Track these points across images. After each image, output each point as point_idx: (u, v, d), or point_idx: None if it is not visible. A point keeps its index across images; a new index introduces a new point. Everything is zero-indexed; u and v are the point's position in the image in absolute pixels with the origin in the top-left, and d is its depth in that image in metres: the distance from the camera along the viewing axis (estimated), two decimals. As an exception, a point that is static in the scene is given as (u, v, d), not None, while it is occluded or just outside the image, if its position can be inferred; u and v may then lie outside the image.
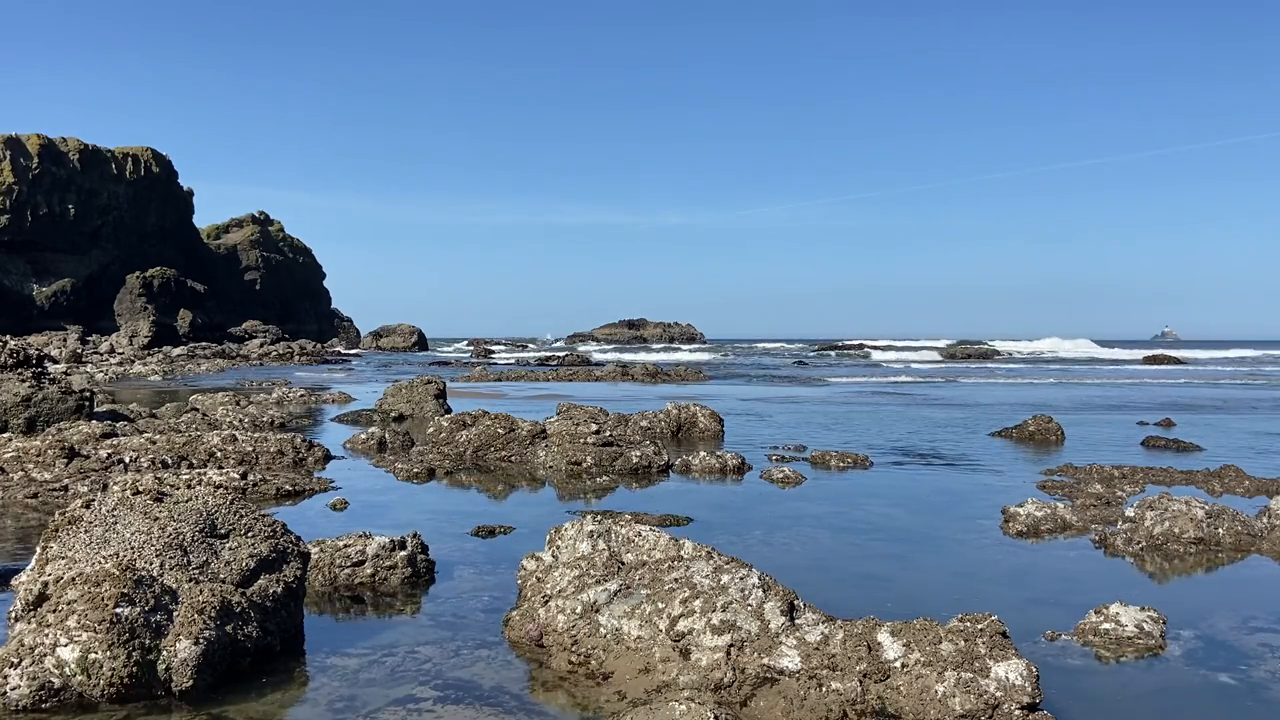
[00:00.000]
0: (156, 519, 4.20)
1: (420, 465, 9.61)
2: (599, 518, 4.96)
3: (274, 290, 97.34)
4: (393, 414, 15.24)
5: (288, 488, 8.23)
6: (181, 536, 4.17)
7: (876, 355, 63.43)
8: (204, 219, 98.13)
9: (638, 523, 4.89)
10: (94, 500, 4.43)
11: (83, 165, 75.47)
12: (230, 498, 4.61)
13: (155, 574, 3.93)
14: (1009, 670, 3.41)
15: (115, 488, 5.69)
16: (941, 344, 73.12)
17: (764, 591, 3.97)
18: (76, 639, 3.54)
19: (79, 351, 41.94)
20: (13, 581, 4.79)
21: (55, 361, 32.22)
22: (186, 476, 7.87)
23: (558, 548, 4.70)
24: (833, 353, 69.11)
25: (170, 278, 66.30)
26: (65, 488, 8.01)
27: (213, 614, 3.81)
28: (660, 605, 4.03)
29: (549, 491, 8.73)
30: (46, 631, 3.60)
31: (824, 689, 3.51)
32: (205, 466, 8.86)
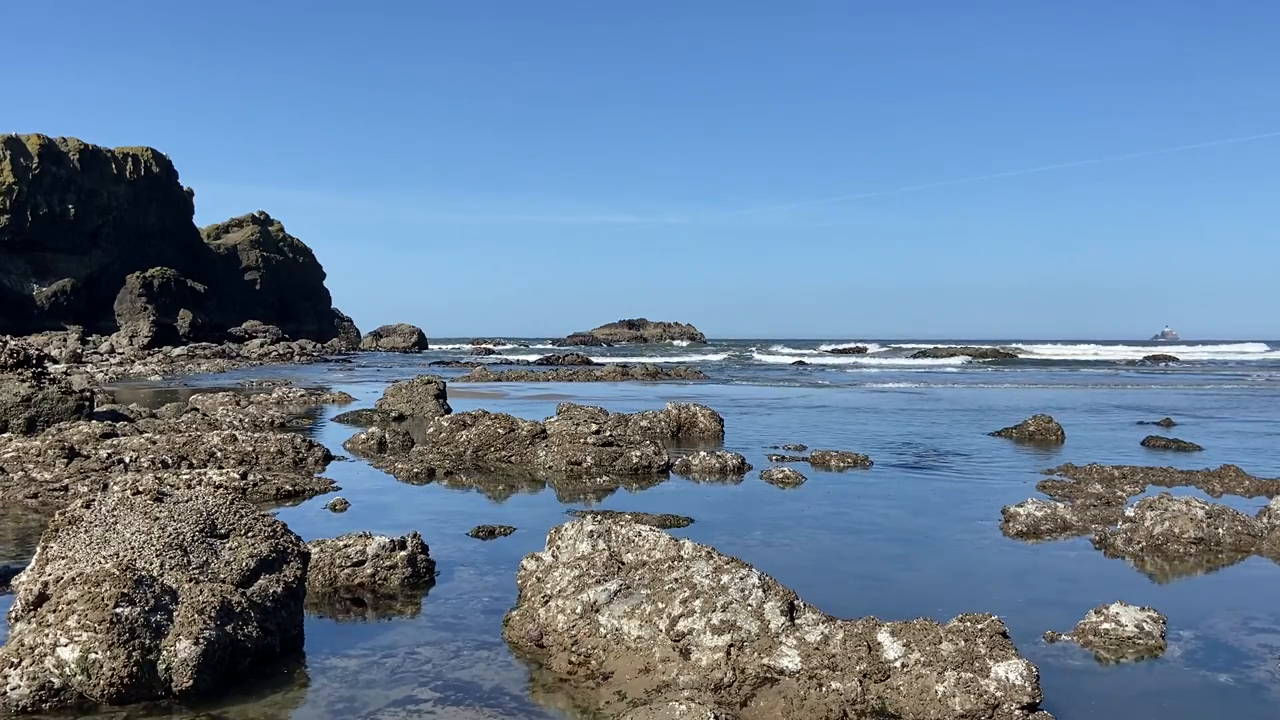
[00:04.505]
0: (156, 519, 4.20)
1: (420, 465, 9.60)
2: (599, 518, 4.96)
3: (274, 290, 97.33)
4: (393, 414, 15.24)
5: (288, 488, 8.23)
6: (181, 536, 4.17)
7: (877, 356, 63.44)
8: (204, 219, 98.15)
9: (638, 523, 4.89)
10: (94, 500, 4.43)
11: (83, 165, 75.47)
12: (230, 498, 4.61)
13: (155, 574, 3.93)
14: (1009, 670, 3.41)
15: (115, 488, 5.69)
16: (959, 347, 72.98)
17: (764, 591, 3.97)
18: (76, 639, 3.54)
19: (79, 351, 41.95)
20: (13, 581, 4.80)
21: (55, 361, 32.21)
22: (186, 476, 7.87)
23: (558, 548, 4.70)
24: (834, 353, 69.11)
25: (170, 278, 66.31)
26: (65, 488, 8.01)
27: (213, 614, 3.81)
28: (660, 605, 4.03)
29: (549, 492, 8.73)
30: (46, 631, 3.60)
31: (824, 689, 3.51)
32: (205, 466, 8.86)
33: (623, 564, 4.45)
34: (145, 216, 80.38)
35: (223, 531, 4.33)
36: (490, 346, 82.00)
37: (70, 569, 3.89)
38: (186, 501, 4.41)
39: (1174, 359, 57.01)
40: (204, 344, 56.05)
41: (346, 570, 5.28)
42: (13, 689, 3.46)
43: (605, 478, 9.39)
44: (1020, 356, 59.98)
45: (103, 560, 3.92)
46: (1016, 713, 3.34)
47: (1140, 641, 4.39)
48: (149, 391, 22.64)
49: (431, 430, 11.53)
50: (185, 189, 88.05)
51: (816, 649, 3.67)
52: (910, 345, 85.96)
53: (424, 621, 4.73)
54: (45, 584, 3.85)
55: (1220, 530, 6.48)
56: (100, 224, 76.16)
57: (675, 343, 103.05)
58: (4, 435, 9.89)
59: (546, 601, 4.35)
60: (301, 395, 19.62)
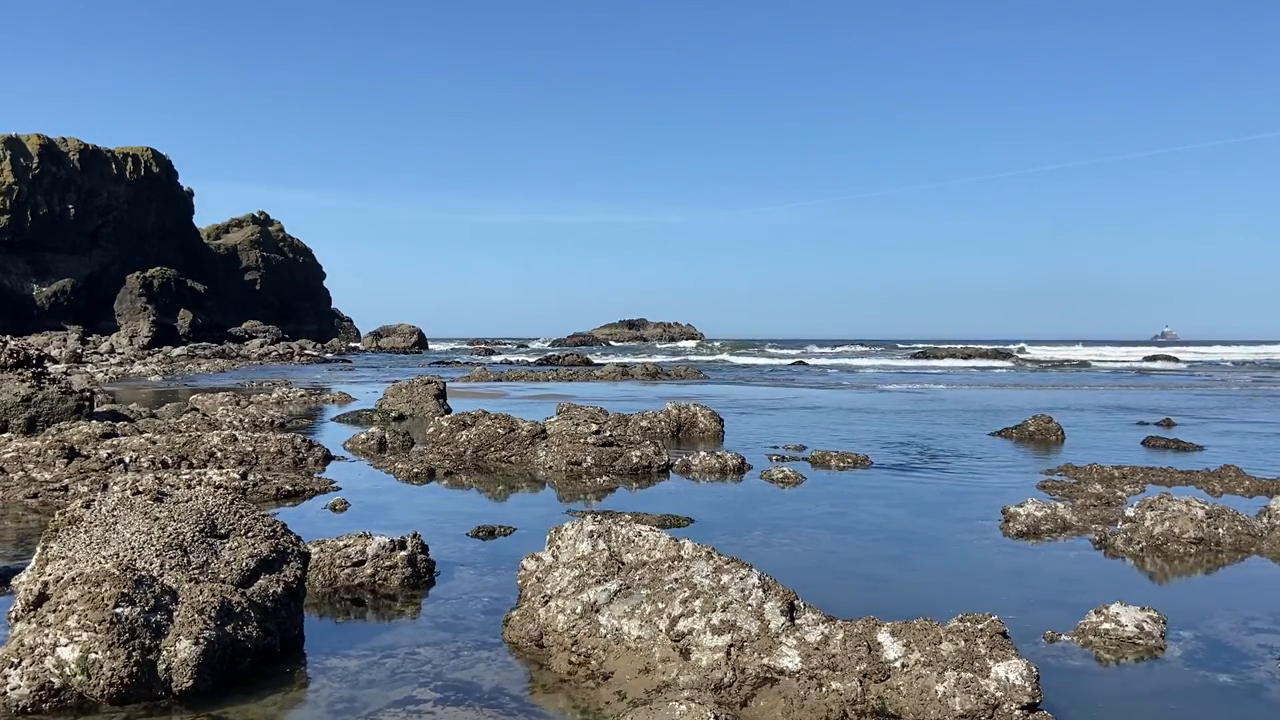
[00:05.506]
0: (156, 519, 4.20)
1: (420, 465, 9.60)
2: (599, 518, 4.96)
3: (274, 290, 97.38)
4: (393, 414, 15.24)
5: (288, 488, 8.23)
6: (181, 536, 4.17)
7: (876, 356, 63.45)
8: (204, 219, 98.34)
9: (638, 523, 4.89)
10: (94, 500, 4.43)
11: (83, 165, 75.50)
12: (230, 498, 4.61)
13: (155, 574, 3.93)
14: (1009, 670, 3.41)
15: (115, 488, 5.69)
16: (960, 346, 72.95)
17: (764, 591, 3.97)
18: (77, 639, 3.53)
19: (79, 352, 41.94)
20: (13, 581, 4.80)
21: (55, 361, 32.21)
22: (186, 476, 7.87)
23: (558, 548, 4.70)
24: (834, 353, 69.12)
25: (170, 278, 66.33)
26: (65, 488, 8.01)
27: (213, 614, 3.81)
28: (660, 605, 4.03)
29: (549, 492, 8.73)
30: (47, 631, 3.60)
31: (824, 689, 3.51)
32: (205, 466, 8.86)
33: (623, 564, 4.45)
34: (145, 216, 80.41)
35: (223, 531, 4.33)
36: (490, 346, 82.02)
37: (70, 569, 3.89)
38: (186, 501, 4.41)
39: (1174, 359, 57.00)
40: (204, 344, 56.06)
41: (346, 570, 5.28)
42: (13, 689, 3.46)
43: (605, 478, 9.39)
44: (1020, 357, 59.96)
45: (103, 560, 3.92)
46: (1016, 713, 3.34)
47: (1140, 642, 4.39)
48: (149, 391, 22.64)
49: (431, 430, 11.53)
50: (185, 189, 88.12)
51: (816, 649, 3.67)
52: (910, 345, 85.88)
53: (424, 622, 4.73)
54: (45, 584, 3.85)
55: (1220, 530, 6.48)
56: (100, 224, 76.18)
57: (675, 343, 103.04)
58: (4, 435, 9.89)
59: (546, 601, 4.35)
60: (301, 395, 19.61)
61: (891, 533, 6.94)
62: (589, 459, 9.83)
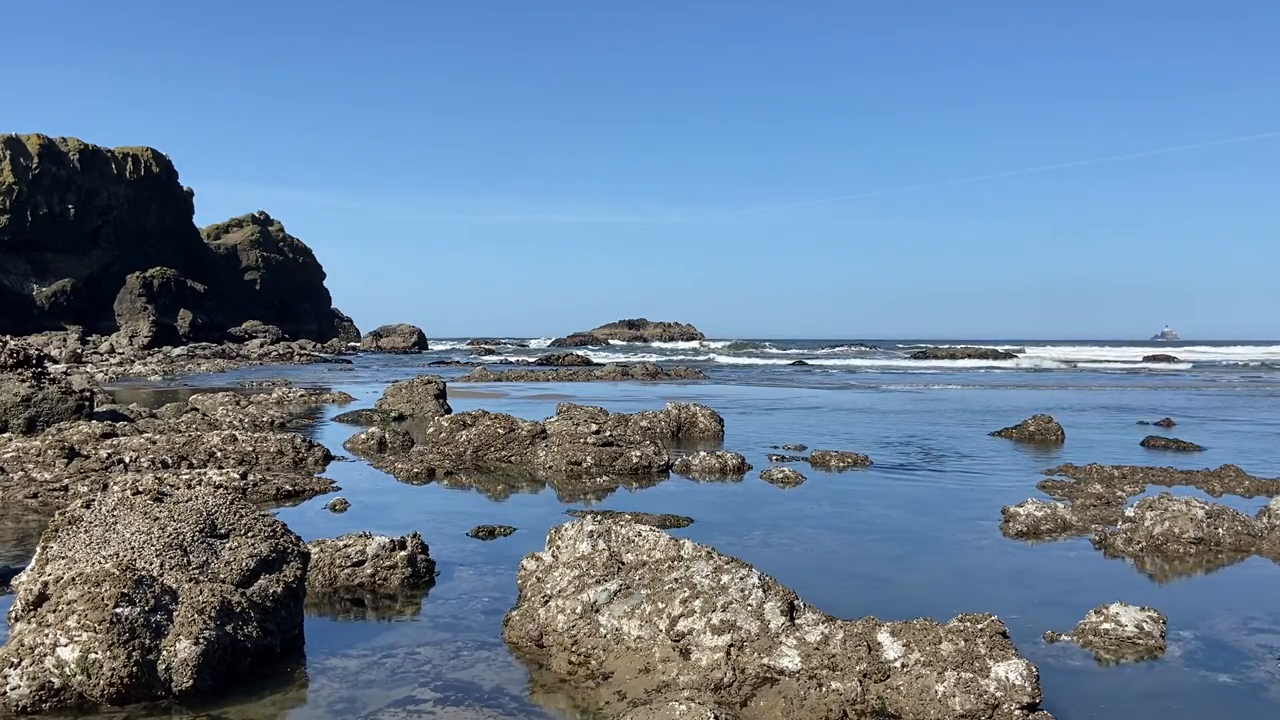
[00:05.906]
0: (156, 519, 4.20)
1: (420, 465, 9.60)
2: (599, 518, 4.96)
3: (274, 290, 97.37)
4: (393, 414, 15.24)
5: (288, 488, 8.23)
6: (181, 536, 4.17)
7: (876, 357, 63.43)
8: (204, 219, 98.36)
9: (638, 523, 4.89)
10: (94, 500, 4.43)
11: (83, 165, 75.48)
12: (230, 498, 4.61)
13: (155, 574, 3.93)
14: (1009, 670, 3.41)
15: (115, 488, 5.69)
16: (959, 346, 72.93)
17: (764, 591, 3.97)
18: (77, 639, 3.54)
19: (79, 351, 41.94)
20: (13, 581, 4.80)
21: (55, 361, 32.20)
22: (186, 476, 7.86)
23: (558, 548, 4.70)
24: (834, 352, 69.12)
25: (170, 278, 66.31)
26: (65, 488, 8.01)
27: (213, 614, 3.81)
28: (660, 605, 4.03)
29: (549, 492, 8.73)
30: (46, 631, 3.60)
31: (824, 689, 3.51)
32: (205, 466, 8.86)
33: (623, 564, 4.45)
34: (145, 216, 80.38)
35: (223, 531, 4.33)
36: (490, 346, 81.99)
37: (70, 569, 3.89)
38: (186, 501, 4.41)
39: (1174, 359, 57.00)
40: (204, 344, 56.05)
41: (346, 570, 5.28)
42: (13, 689, 3.46)
43: (605, 478, 9.39)
44: (1020, 357, 59.93)
45: (103, 560, 3.92)
46: (1016, 713, 3.34)
47: (1140, 642, 4.39)
48: (149, 391, 22.64)
49: (431, 430, 11.53)
50: (185, 189, 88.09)
51: (816, 649, 3.67)
52: (910, 345, 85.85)
53: (424, 621, 4.73)
54: (45, 584, 3.85)
55: (1220, 530, 6.48)
56: (100, 224, 76.16)
57: (675, 343, 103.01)
58: (4, 435, 9.89)
59: (546, 601, 4.35)
60: (301, 395, 19.61)
61: (891, 533, 6.94)
62: (589, 459, 9.83)
